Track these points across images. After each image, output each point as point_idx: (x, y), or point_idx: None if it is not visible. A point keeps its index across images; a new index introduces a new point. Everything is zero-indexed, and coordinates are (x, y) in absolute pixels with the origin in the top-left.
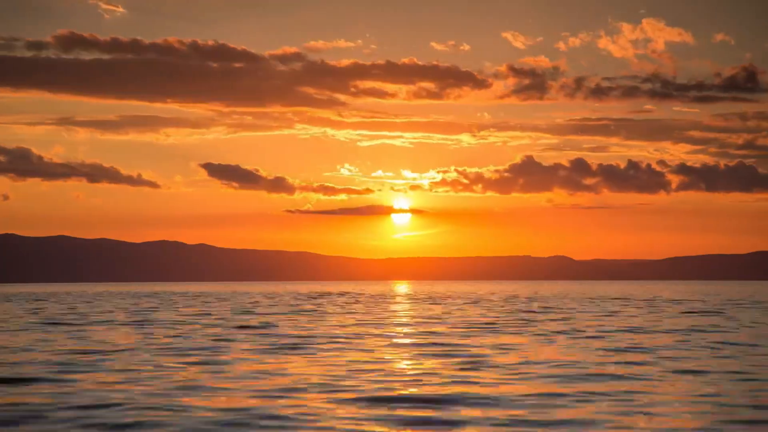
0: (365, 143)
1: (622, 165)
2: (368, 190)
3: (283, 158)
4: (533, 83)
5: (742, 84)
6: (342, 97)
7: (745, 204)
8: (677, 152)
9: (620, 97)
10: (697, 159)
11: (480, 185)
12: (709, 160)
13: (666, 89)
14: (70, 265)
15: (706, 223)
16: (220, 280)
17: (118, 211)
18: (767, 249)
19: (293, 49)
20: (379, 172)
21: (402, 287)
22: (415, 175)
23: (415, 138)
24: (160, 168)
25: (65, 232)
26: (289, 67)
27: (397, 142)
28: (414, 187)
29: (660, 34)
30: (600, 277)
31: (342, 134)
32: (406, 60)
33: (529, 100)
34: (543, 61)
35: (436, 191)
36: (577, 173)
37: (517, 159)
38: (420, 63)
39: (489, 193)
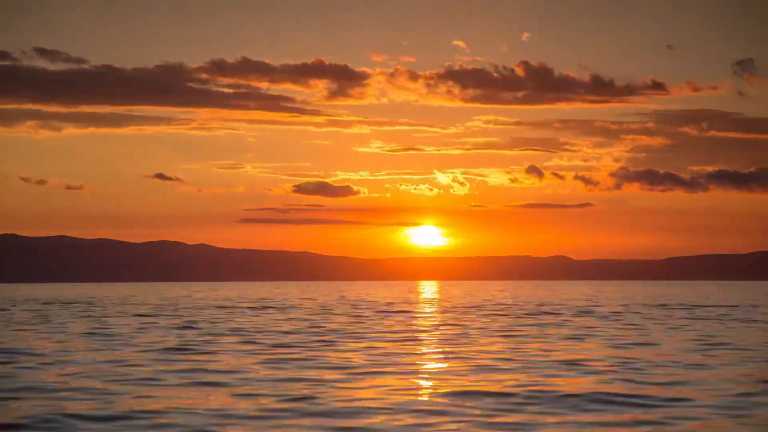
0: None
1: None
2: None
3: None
4: None
5: None
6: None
7: (746, 204)
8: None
9: None
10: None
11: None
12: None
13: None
14: (70, 265)
15: (706, 223)
16: (220, 280)
17: (119, 210)
18: (767, 249)
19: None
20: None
21: (387, 288)
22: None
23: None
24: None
25: (65, 232)
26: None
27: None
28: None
29: None
30: (600, 277)
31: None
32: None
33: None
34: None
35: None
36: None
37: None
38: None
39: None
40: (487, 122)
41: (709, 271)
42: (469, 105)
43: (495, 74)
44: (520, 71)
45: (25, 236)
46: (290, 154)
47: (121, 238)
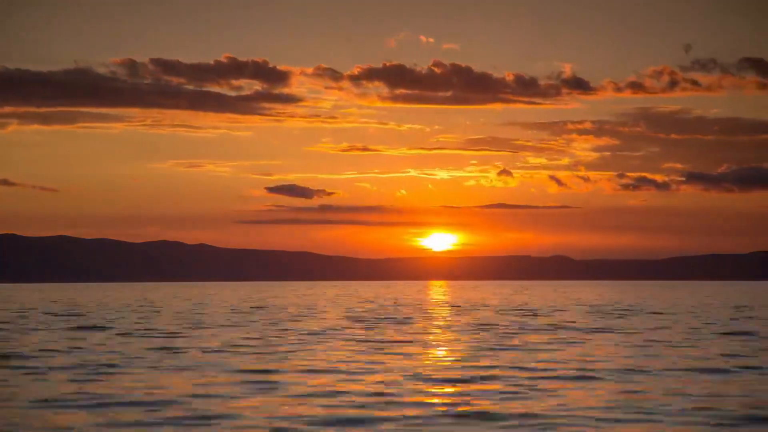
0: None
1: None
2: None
3: None
4: None
5: None
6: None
7: (745, 203)
8: None
9: None
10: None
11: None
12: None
13: None
14: (70, 265)
15: (706, 223)
16: (220, 280)
17: (119, 210)
18: (767, 249)
19: None
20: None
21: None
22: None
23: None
24: None
25: (66, 232)
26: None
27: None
28: None
29: None
30: (600, 277)
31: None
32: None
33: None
34: None
35: None
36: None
37: None
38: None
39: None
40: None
41: (709, 271)
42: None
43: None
44: (438, 70)
45: (26, 236)
46: (251, 152)
47: (120, 238)
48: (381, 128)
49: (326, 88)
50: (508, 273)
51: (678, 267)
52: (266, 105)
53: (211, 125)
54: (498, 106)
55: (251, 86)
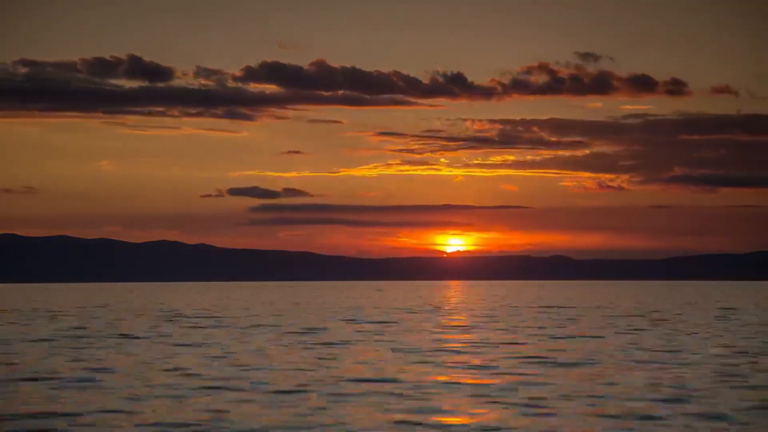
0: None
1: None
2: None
3: None
4: None
5: None
6: None
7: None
8: None
9: None
10: None
11: None
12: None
13: None
14: (71, 265)
15: (706, 223)
16: (220, 280)
17: (119, 210)
18: (767, 249)
19: None
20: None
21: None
22: None
23: None
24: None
25: (65, 232)
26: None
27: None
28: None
29: None
30: (600, 277)
31: None
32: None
33: None
34: None
35: None
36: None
37: None
38: None
39: None
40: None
41: (709, 271)
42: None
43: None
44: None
45: (26, 236)
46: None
47: (124, 238)
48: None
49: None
50: (507, 273)
51: (678, 267)
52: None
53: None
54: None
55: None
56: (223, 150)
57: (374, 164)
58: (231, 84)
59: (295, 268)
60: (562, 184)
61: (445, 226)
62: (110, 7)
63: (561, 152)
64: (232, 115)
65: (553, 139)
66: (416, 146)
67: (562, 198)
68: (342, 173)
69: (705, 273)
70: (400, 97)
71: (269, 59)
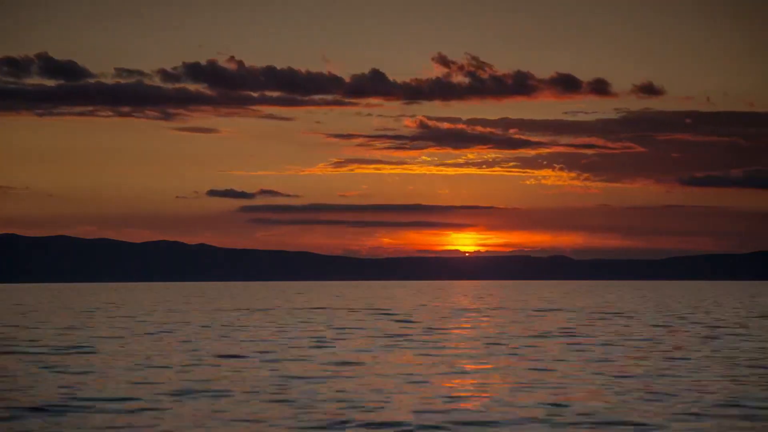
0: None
1: None
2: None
3: None
4: None
5: None
6: None
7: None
8: None
9: None
10: None
11: None
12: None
13: None
14: (71, 265)
15: (706, 222)
16: (220, 280)
17: (119, 210)
18: (767, 249)
19: None
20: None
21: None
22: None
23: None
24: None
25: (66, 232)
26: None
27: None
28: None
29: None
30: (600, 277)
31: None
32: None
33: None
34: None
35: None
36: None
37: None
38: None
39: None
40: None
41: (709, 270)
42: None
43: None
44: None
45: (26, 236)
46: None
47: (122, 238)
48: None
49: None
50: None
51: (678, 267)
52: None
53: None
54: None
55: None
56: (174, 151)
57: (323, 164)
58: (157, 83)
59: (296, 268)
60: (526, 182)
61: (421, 226)
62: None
63: (525, 151)
64: (167, 116)
65: (516, 137)
66: (366, 146)
67: (533, 196)
68: (310, 172)
69: (705, 273)
70: (332, 97)
71: (193, 60)
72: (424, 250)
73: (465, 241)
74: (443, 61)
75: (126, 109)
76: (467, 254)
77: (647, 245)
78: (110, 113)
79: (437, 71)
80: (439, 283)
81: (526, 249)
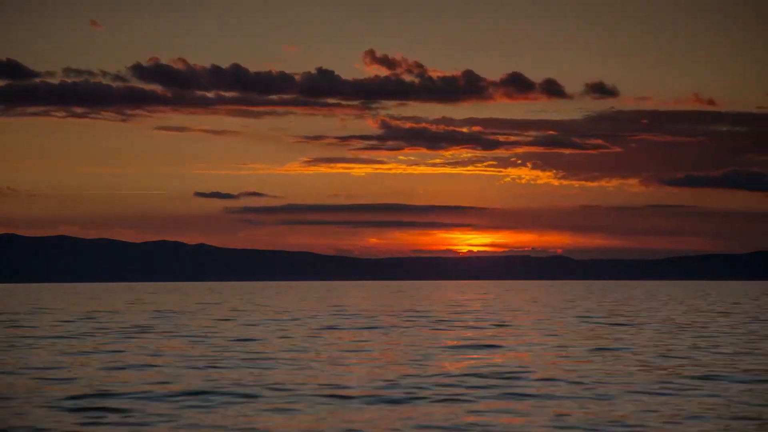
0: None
1: None
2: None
3: None
4: None
5: None
6: None
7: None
8: None
9: None
10: None
11: None
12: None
13: None
14: (71, 265)
15: (706, 222)
16: (220, 280)
17: (119, 210)
18: (767, 249)
19: None
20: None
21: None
22: None
23: None
24: None
25: (65, 232)
26: None
27: None
28: None
29: None
30: (600, 277)
31: None
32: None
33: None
34: None
35: None
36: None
37: None
38: None
39: None
40: None
41: (709, 270)
42: None
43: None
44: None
45: (26, 236)
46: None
47: (123, 238)
48: None
49: None
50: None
51: (677, 267)
52: None
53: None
54: None
55: None
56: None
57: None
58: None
59: (295, 268)
60: (503, 182)
61: (406, 227)
62: None
63: (499, 151)
64: (125, 116)
65: (487, 138)
66: (335, 146)
67: (514, 196)
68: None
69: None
70: (289, 96)
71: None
72: (418, 250)
73: (454, 241)
74: (387, 61)
75: (79, 109)
76: (461, 254)
77: (635, 245)
78: (63, 113)
79: (384, 71)
80: (455, 284)
81: (517, 249)
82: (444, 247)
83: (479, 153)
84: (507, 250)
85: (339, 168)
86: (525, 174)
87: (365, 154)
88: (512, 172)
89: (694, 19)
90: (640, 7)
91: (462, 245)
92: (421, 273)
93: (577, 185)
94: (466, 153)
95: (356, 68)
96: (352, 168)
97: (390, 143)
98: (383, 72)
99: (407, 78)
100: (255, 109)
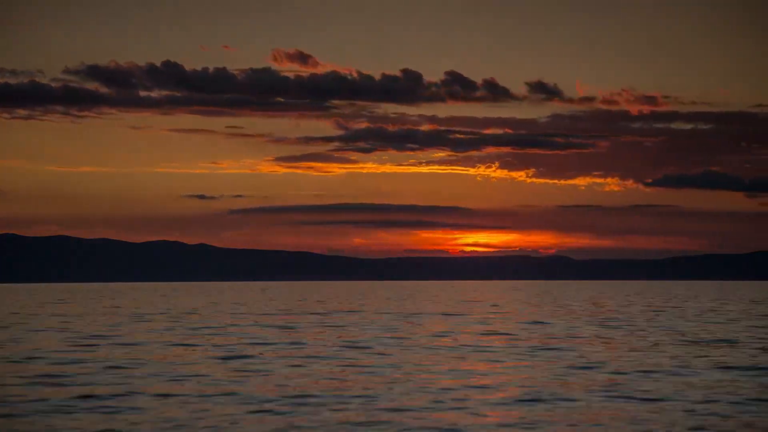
0: None
1: None
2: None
3: None
4: None
5: None
6: None
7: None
8: None
9: None
10: None
11: None
12: None
13: None
14: (70, 265)
15: (706, 223)
16: (220, 280)
17: (119, 210)
18: (767, 249)
19: None
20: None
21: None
22: None
23: None
24: None
25: (65, 232)
26: None
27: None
28: None
29: None
30: (600, 277)
31: None
32: None
33: None
34: None
35: None
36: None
37: None
38: None
39: None
40: None
41: (709, 271)
42: None
43: None
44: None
45: (25, 236)
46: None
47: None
48: None
49: None
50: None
51: (678, 267)
52: None
53: None
54: None
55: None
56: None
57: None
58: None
59: (295, 268)
60: (477, 180)
61: (391, 226)
62: None
63: (472, 152)
64: (74, 117)
65: (454, 137)
66: (299, 144)
67: (495, 195)
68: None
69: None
70: (242, 96)
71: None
72: (411, 249)
73: (440, 241)
74: (307, 59)
75: (23, 111)
76: (453, 254)
77: (620, 245)
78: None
79: (322, 68)
80: (463, 284)
81: (509, 249)
82: (437, 247)
83: (449, 153)
84: (498, 250)
85: (304, 168)
86: (502, 174)
87: (338, 154)
88: (482, 171)
89: (669, 18)
90: (621, 5)
91: (451, 245)
92: (413, 273)
93: (549, 183)
94: (437, 153)
95: (300, 68)
96: (330, 168)
97: (360, 144)
98: (320, 69)
99: (352, 77)
100: (215, 108)
